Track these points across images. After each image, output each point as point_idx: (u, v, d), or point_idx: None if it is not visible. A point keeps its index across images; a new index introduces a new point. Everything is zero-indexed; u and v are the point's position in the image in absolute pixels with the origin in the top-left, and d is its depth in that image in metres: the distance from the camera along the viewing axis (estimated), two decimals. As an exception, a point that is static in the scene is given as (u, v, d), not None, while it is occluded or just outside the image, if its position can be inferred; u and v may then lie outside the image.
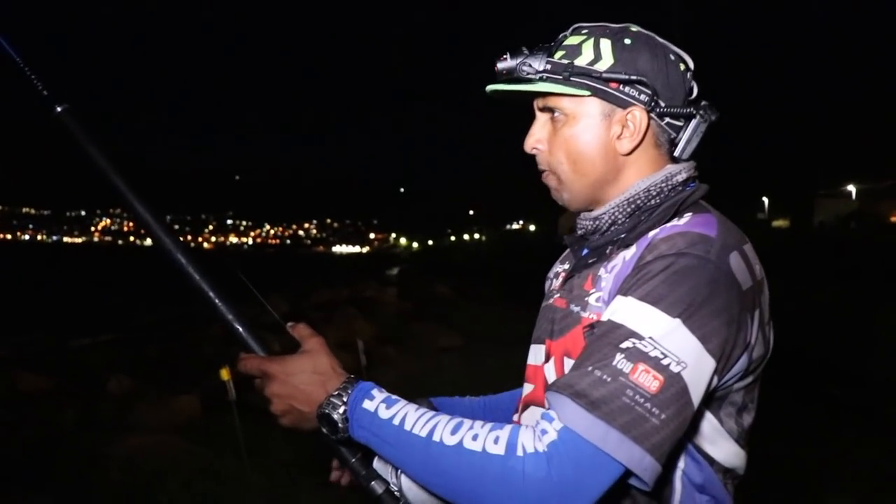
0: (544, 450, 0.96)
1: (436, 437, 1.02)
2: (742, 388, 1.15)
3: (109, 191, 1.20)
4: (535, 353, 1.31)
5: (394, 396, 1.12)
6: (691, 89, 1.25)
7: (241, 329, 1.23)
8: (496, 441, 0.99)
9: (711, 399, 1.09)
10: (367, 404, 1.09)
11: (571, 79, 1.19)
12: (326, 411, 1.11)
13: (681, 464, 1.12)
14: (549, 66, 1.21)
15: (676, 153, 1.25)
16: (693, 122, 1.23)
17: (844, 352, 9.73)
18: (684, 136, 1.23)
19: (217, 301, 1.22)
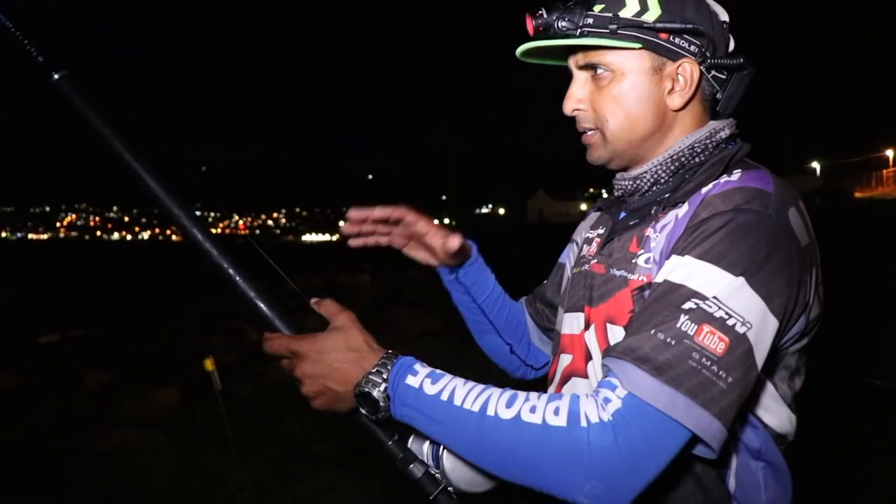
0: (609, 419, 0.91)
1: (490, 412, 0.96)
2: (796, 350, 1.12)
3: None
4: (571, 322, 1.26)
5: (438, 370, 1.04)
6: (729, 42, 1.20)
7: (264, 306, 1.14)
8: (556, 412, 0.93)
9: (767, 362, 1.04)
10: (411, 380, 1.03)
11: (619, 31, 1.12)
12: (366, 390, 1.04)
13: (737, 428, 1.08)
14: (590, 20, 1.13)
15: (719, 108, 1.20)
16: (737, 76, 1.18)
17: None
18: (728, 91, 1.19)
19: (237, 277, 1.14)
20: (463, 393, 0.99)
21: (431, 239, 1.44)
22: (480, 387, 1.01)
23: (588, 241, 1.35)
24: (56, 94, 1.12)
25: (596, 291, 1.19)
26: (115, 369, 8.02)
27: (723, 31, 1.18)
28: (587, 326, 1.20)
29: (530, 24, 1.18)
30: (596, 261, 1.24)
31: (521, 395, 0.98)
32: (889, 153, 37.96)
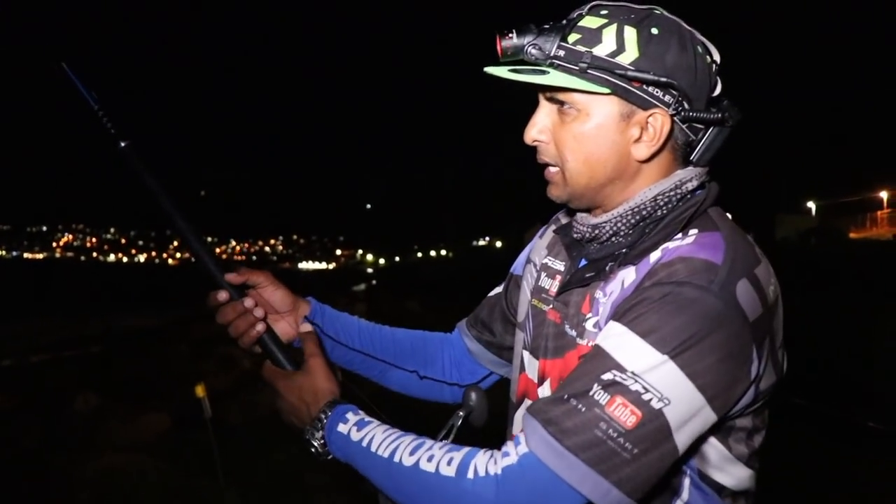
0: (497, 472, 0.96)
1: (396, 458, 1.04)
2: (751, 412, 1.09)
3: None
4: (532, 368, 1.26)
5: (367, 419, 1.13)
6: (715, 85, 1.12)
7: (268, 340, 1.32)
8: (449, 463, 1.00)
9: (718, 428, 1.04)
10: (342, 427, 1.12)
11: (589, 71, 1.05)
12: (307, 437, 1.17)
13: (684, 495, 1.08)
14: (561, 52, 1.05)
15: (693, 158, 1.14)
16: (716, 129, 1.12)
17: (810, 362, 9.82)
18: (704, 142, 1.13)
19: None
20: (379, 440, 1.07)
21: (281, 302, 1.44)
22: (396, 434, 1.08)
23: (546, 270, 1.30)
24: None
25: (551, 343, 1.19)
26: (105, 392, 7.97)
27: (708, 74, 1.09)
28: (541, 381, 1.21)
29: (499, 47, 1.09)
30: (552, 307, 1.22)
31: (427, 443, 1.05)
32: (883, 194, 38.09)
